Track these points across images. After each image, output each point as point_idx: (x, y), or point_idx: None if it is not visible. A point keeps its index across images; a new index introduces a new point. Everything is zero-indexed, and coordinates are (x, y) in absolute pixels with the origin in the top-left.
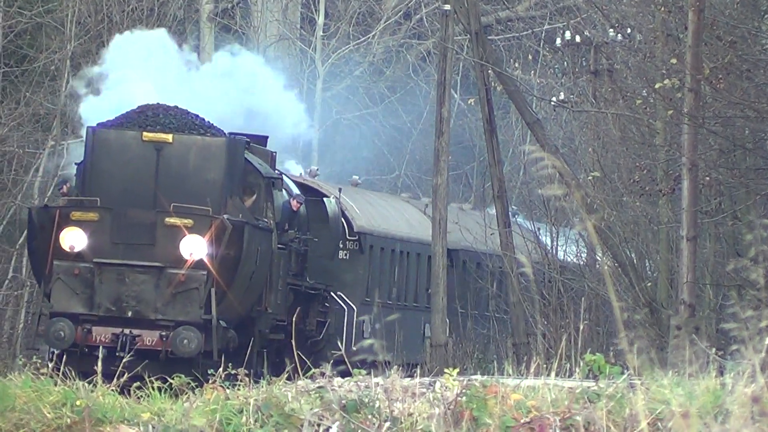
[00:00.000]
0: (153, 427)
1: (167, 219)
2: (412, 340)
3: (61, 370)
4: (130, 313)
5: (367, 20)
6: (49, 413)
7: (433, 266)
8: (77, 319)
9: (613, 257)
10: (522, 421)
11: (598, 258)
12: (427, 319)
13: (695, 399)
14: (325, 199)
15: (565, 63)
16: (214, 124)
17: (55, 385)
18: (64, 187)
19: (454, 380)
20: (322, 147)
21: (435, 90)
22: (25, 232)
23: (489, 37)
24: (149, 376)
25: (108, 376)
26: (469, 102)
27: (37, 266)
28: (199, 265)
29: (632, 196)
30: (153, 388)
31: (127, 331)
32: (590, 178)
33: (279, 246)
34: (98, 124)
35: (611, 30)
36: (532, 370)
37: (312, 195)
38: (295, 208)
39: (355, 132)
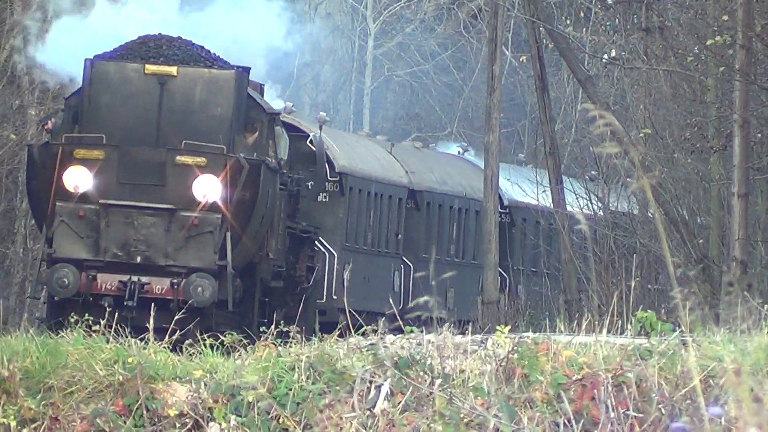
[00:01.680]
0: (205, 384)
1: (178, 157)
2: (384, 289)
3: (112, 327)
4: (138, 259)
5: None
6: (101, 370)
7: (486, 224)
8: (81, 266)
9: (665, 214)
10: (573, 378)
11: (650, 215)
12: (397, 267)
13: (747, 356)
14: (312, 135)
15: (617, 20)
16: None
17: (107, 342)
18: (49, 122)
19: (506, 337)
20: (374, 104)
21: (486, 47)
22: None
23: None
24: (157, 327)
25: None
26: (520, 59)
27: (38, 208)
28: (212, 207)
29: (684, 153)
30: (205, 345)
31: (135, 278)
32: (641, 135)
33: (280, 186)
34: (96, 56)
35: None
36: (583, 327)
37: (291, 132)
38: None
39: (406, 89)
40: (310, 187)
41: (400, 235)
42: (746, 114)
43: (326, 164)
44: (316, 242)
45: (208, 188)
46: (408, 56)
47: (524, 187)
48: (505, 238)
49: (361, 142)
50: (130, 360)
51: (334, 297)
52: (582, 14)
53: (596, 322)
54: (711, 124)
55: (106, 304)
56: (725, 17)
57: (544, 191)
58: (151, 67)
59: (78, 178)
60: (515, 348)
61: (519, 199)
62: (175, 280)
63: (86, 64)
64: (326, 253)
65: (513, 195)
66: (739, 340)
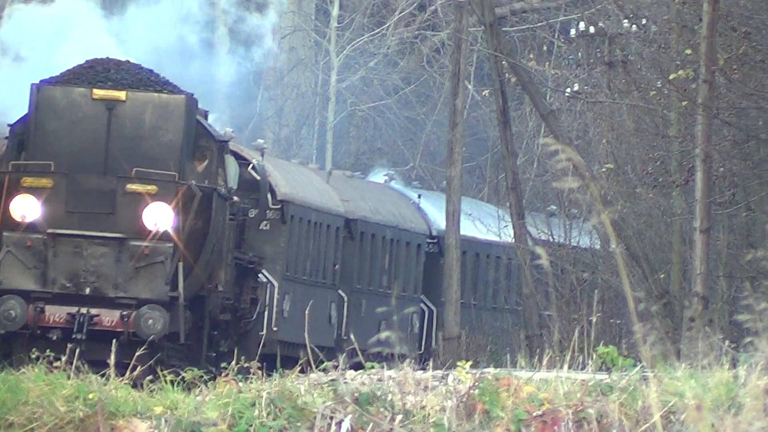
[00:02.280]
0: (166, 421)
1: (128, 185)
2: (320, 322)
3: (73, 363)
4: (87, 290)
5: (381, 11)
6: (62, 407)
7: (447, 259)
8: (29, 297)
9: (627, 249)
10: (534, 414)
11: (611, 250)
12: (333, 298)
13: (708, 391)
14: (254, 163)
15: (580, 54)
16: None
17: (68, 378)
18: None
19: (467, 373)
20: (336, 138)
21: (449, 81)
22: None
23: (503, 29)
24: (106, 361)
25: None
26: (483, 93)
27: None
28: (164, 236)
29: (646, 187)
30: (165, 381)
31: (84, 310)
32: (604, 170)
33: (230, 216)
34: (42, 81)
35: (626, 21)
36: (545, 362)
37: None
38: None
39: (369, 123)
40: (251, 215)
41: (337, 266)
42: (709, 148)
43: (268, 192)
44: (261, 273)
45: (159, 217)
46: (371, 90)
47: (485, 223)
48: (433, 268)
49: (298, 170)
50: (91, 396)
51: (274, 329)
52: (545, 48)
53: (557, 358)
54: (673, 159)
55: (55, 337)
56: (688, 51)
57: (506, 226)
58: (99, 92)
59: (25, 207)
60: (476, 384)
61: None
62: (125, 312)
63: (32, 89)
64: (268, 283)
65: (441, 225)
66: (700, 376)
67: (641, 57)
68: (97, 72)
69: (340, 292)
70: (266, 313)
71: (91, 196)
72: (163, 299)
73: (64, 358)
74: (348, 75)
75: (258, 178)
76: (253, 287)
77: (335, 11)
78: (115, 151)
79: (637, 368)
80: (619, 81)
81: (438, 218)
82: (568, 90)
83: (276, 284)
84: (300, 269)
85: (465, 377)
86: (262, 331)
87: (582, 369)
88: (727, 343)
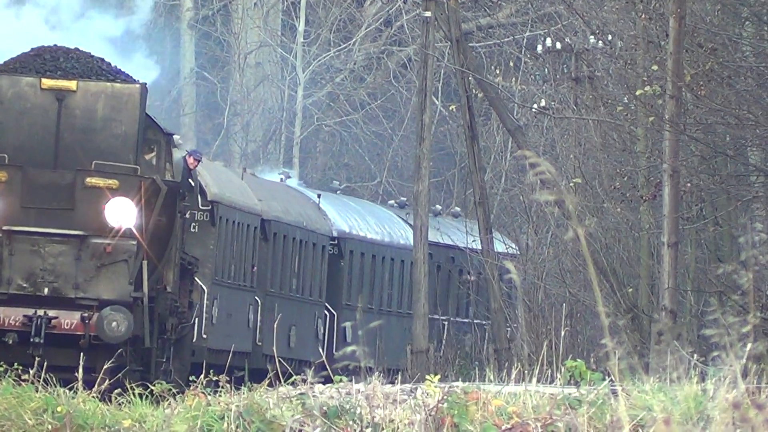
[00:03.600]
0: None
1: (88, 179)
2: (240, 327)
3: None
4: (45, 291)
5: (347, 27)
6: (30, 419)
7: (415, 273)
8: None
9: (595, 264)
10: (503, 427)
11: (579, 265)
12: (251, 301)
13: (677, 405)
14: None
15: (546, 70)
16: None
17: (37, 391)
18: None
19: (435, 387)
20: (303, 153)
21: (416, 96)
22: None
23: (470, 44)
24: (64, 367)
25: (22, 366)
26: (450, 108)
27: None
28: (125, 233)
29: (613, 202)
30: (134, 395)
31: (41, 312)
32: (572, 184)
33: (178, 212)
34: None
35: (592, 37)
36: (513, 376)
37: None
38: (192, 167)
39: (336, 139)
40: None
41: (255, 268)
42: (676, 164)
43: (198, 193)
44: (196, 276)
45: (122, 212)
46: (337, 106)
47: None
48: (334, 271)
49: (220, 169)
50: (59, 409)
51: (204, 336)
52: (512, 64)
53: (526, 371)
54: (641, 174)
55: (10, 341)
56: (655, 67)
57: (474, 240)
58: (48, 82)
59: None
60: (445, 397)
61: (346, 230)
62: (85, 314)
63: None
64: (203, 287)
65: (341, 226)
66: (669, 390)
67: (608, 73)
68: (45, 60)
69: (255, 296)
70: (196, 319)
71: (47, 191)
72: (126, 300)
73: (32, 371)
74: (314, 90)
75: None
76: (189, 290)
77: (301, 27)
78: (66, 144)
79: (606, 382)
80: (586, 96)
81: (338, 219)
82: (535, 105)
83: (206, 289)
84: (225, 273)
85: (433, 391)
86: (194, 338)
87: (551, 383)
88: (695, 357)
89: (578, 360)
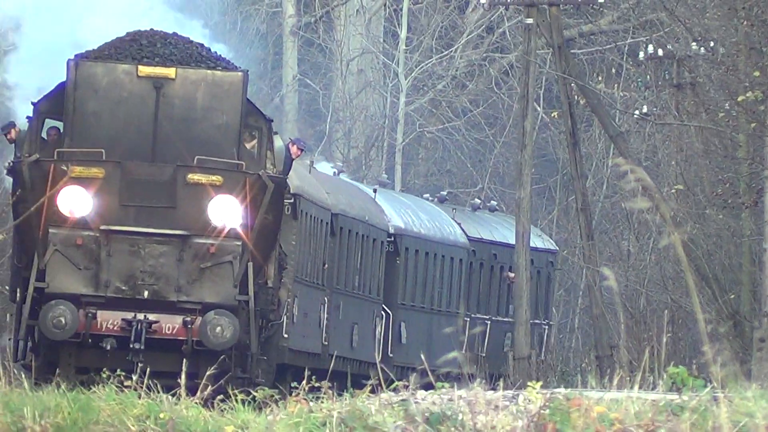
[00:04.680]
0: None
1: (190, 175)
2: (312, 327)
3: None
4: (145, 294)
5: (449, 34)
6: (133, 426)
7: (518, 279)
8: (79, 302)
9: (697, 270)
10: None
11: (681, 271)
12: (322, 300)
13: None
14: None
15: (648, 76)
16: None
17: (139, 397)
18: (12, 131)
19: (537, 393)
20: (405, 160)
21: (518, 103)
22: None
23: (572, 51)
24: (165, 373)
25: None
26: (552, 115)
27: (27, 235)
28: (229, 233)
29: (715, 209)
30: (237, 401)
31: (141, 316)
32: (673, 191)
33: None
34: (77, 56)
35: (694, 43)
36: (615, 382)
37: None
38: (295, 156)
39: (438, 145)
40: None
41: (326, 265)
42: None
43: None
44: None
45: (227, 211)
46: (439, 112)
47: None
48: (390, 269)
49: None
50: (162, 416)
51: (285, 335)
52: (613, 70)
53: (627, 378)
54: (742, 180)
55: (108, 347)
56: (757, 73)
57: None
58: (145, 69)
59: (74, 200)
60: (547, 403)
61: (402, 226)
62: (188, 318)
63: (70, 64)
64: (288, 285)
65: (397, 222)
66: None
67: (709, 79)
68: (142, 46)
69: (325, 295)
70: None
71: (147, 188)
72: (231, 304)
73: (134, 377)
74: (416, 97)
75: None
76: (278, 287)
77: (403, 34)
78: (165, 136)
79: (708, 389)
80: (688, 103)
81: (393, 215)
82: (637, 112)
83: (290, 286)
84: (304, 269)
85: (535, 397)
86: (280, 337)
87: (652, 389)
88: None
89: (680, 366)
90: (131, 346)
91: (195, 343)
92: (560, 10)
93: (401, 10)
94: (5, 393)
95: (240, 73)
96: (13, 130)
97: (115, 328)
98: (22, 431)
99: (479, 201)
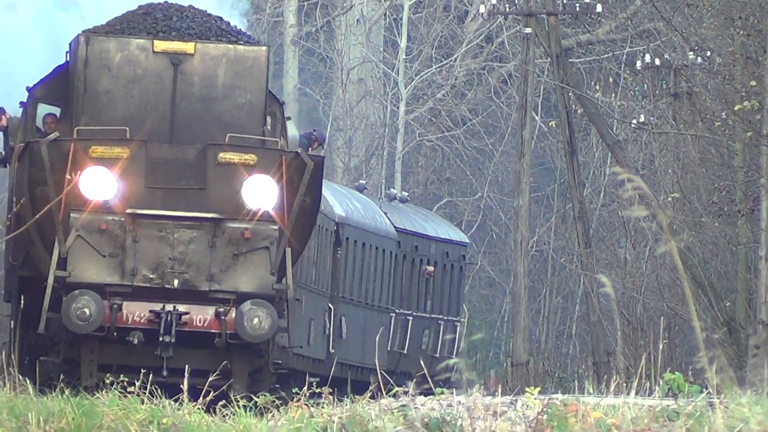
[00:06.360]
0: None
1: (221, 155)
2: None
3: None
4: (175, 283)
5: (449, 43)
6: (136, 431)
7: (516, 287)
8: (104, 292)
9: (693, 277)
10: None
11: (677, 278)
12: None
13: None
14: None
15: (645, 86)
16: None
17: (142, 403)
18: (2, 118)
19: (535, 399)
20: (405, 168)
21: (516, 112)
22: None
23: (569, 60)
24: (195, 369)
25: (147, 371)
26: (550, 124)
27: (45, 220)
28: (264, 216)
29: (711, 216)
30: (238, 406)
31: (170, 307)
32: (670, 199)
33: None
34: (86, 31)
35: (691, 53)
36: (612, 388)
37: None
38: (314, 149)
39: (437, 153)
40: None
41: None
42: None
43: None
44: None
45: (263, 192)
46: (439, 121)
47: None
48: (334, 260)
49: None
50: (164, 421)
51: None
52: (611, 80)
53: (624, 384)
54: (738, 188)
55: (135, 340)
56: (753, 83)
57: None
58: (161, 44)
59: (98, 182)
60: (545, 409)
61: (345, 216)
62: (221, 309)
63: (79, 40)
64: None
65: (340, 212)
66: (766, 402)
67: (706, 88)
68: (157, 20)
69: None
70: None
71: (174, 169)
72: (268, 293)
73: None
74: (416, 106)
75: None
76: None
77: (403, 43)
78: (184, 116)
79: (704, 394)
80: (685, 112)
81: (336, 204)
82: (634, 121)
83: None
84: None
85: (533, 403)
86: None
87: (649, 395)
88: None
89: (676, 373)
90: (160, 339)
91: (229, 336)
92: (558, 20)
93: (401, 19)
94: (10, 399)
95: (264, 48)
96: (3, 117)
97: (143, 321)
98: None
99: (395, 191)
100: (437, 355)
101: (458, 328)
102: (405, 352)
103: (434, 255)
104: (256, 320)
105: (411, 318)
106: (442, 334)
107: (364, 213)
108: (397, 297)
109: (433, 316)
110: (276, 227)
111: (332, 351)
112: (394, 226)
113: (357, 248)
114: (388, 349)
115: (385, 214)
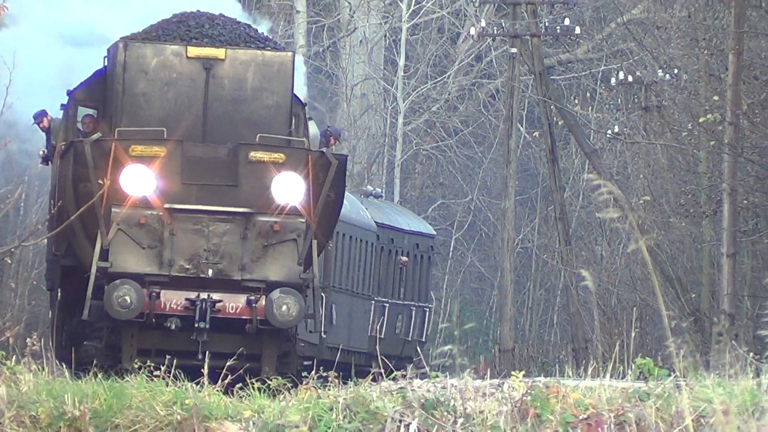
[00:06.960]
0: (254, 423)
1: (252, 153)
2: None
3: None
4: (210, 272)
5: (443, 62)
6: (161, 411)
7: (502, 281)
8: (143, 281)
9: (662, 272)
10: (580, 417)
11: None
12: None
13: (735, 398)
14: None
15: (619, 100)
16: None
17: (167, 386)
18: (44, 120)
19: (520, 381)
20: (403, 174)
21: (503, 124)
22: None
23: (551, 77)
24: (227, 353)
25: (183, 355)
26: (533, 134)
27: (88, 215)
28: (291, 211)
29: (678, 217)
30: (254, 388)
31: (204, 295)
32: (641, 201)
33: None
34: (124, 38)
35: (660, 71)
36: (589, 372)
37: None
38: (332, 146)
39: (432, 161)
40: None
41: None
42: (734, 183)
43: None
44: None
45: (291, 188)
46: (434, 132)
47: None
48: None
49: None
50: (187, 402)
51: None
52: (588, 94)
53: (600, 368)
54: (703, 192)
55: (173, 326)
56: (716, 97)
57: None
58: (194, 50)
59: (138, 179)
60: (529, 391)
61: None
62: (252, 297)
63: (117, 46)
64: None
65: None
66: (727, 384)
67: (674, 102)
68: (190, 27)
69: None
70: None
71: (208, 167)
72: (296, 282)
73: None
74: (413, 118)
75: None
76: None
77: (402, 61)
78: (215, 117)
79: (671, 377)
80: (655, 124)
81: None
82: (609, 131)
83: None
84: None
85: (519, 385)
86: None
87: (622, 378)
88: (751, 355)
89: (647, 358)
90: (196, 325)
91: (260, 322)
92: (541, 40)
93: (400, 40)
94: (48, 381)
95: (290, 53)
96: (45, 119)
97: (179, 308)
98: (64, 415)
99: (371, 188)
100: (409, 339)
101: (427, 313)
102: (382, 336)
103: (407, 246)
104: (284, 307)
105: (387, 305)
106: (414, 319)
107: (350, 208)
108: (376, 285)
109: (406, 302)
110: (303, 221)
111: (324, 336)
112: (374, 221)
113: (345, 241)
114: (369, 333)
115: (366, 209)
